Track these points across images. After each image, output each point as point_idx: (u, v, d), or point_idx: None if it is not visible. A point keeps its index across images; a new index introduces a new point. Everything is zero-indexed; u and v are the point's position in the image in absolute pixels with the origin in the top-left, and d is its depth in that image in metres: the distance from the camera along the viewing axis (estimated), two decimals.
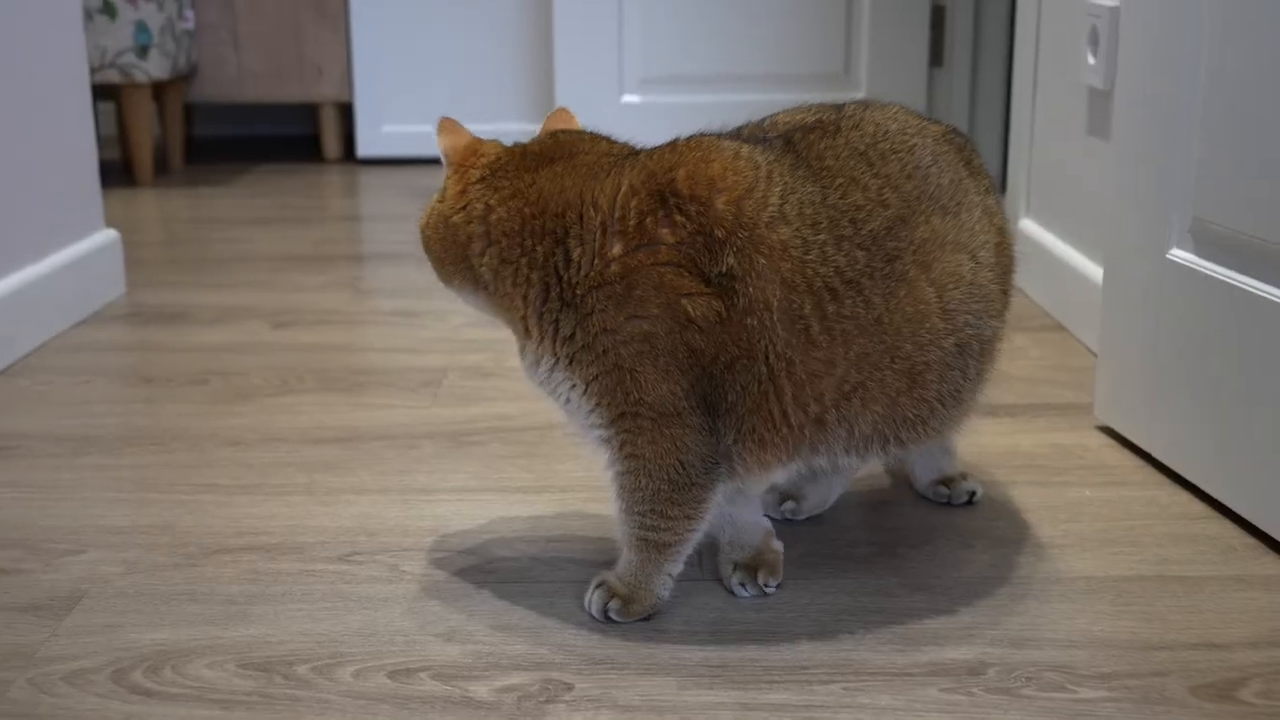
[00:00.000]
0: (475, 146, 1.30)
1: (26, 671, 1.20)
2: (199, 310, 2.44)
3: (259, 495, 1.59)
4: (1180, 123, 1.55)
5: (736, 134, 1.31)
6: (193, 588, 1.36)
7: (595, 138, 1.31)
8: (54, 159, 2.31)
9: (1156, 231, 1.61)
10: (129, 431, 1.82)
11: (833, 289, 1.21)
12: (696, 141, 1.26)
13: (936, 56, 3.73)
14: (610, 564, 1.32)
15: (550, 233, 1.23)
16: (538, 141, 1.30)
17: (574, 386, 1.24)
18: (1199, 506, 1.53)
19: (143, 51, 3.54)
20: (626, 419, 1.22)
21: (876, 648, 1.23)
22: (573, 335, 1.22)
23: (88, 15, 3.42)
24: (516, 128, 3.62)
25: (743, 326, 1.19)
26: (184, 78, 3.87)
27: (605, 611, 1.27)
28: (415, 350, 2.19)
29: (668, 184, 1.20)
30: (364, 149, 4.04)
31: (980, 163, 1.39)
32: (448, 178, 1.30)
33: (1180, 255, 1.57)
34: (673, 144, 1.26)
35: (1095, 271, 2.10)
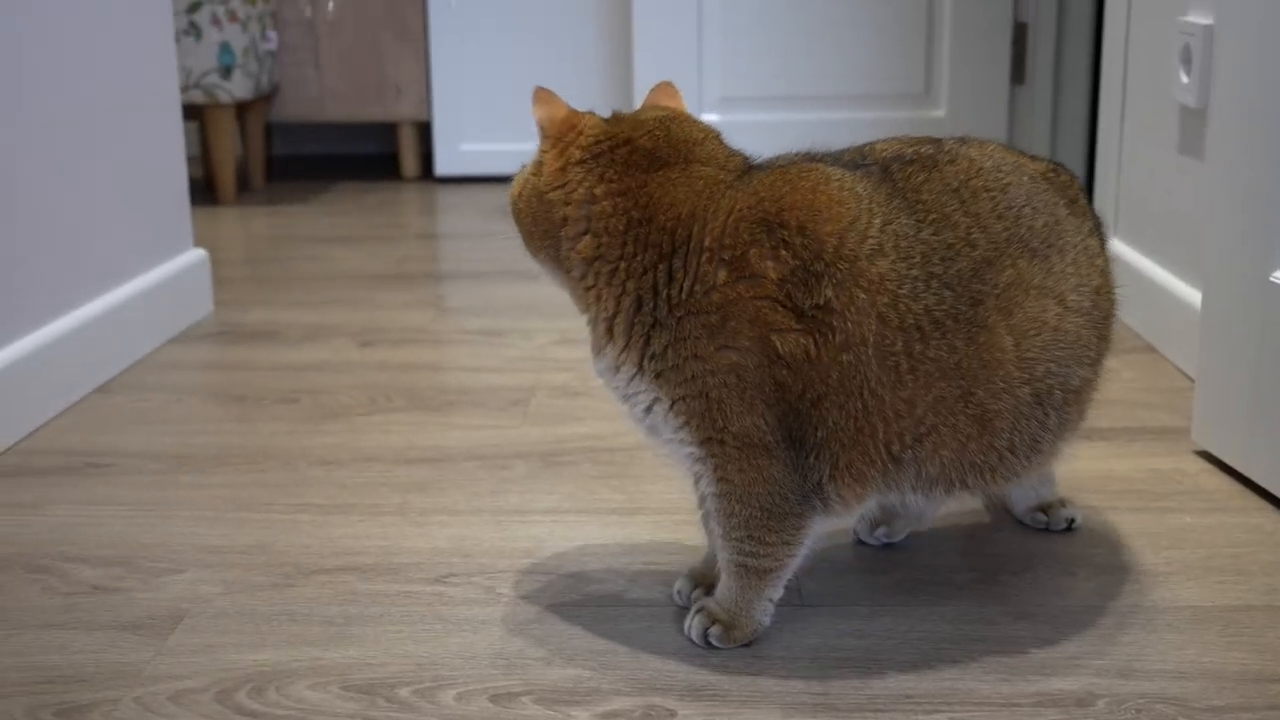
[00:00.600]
0: (573, 120, 1.27)
1: (133, 690, 1.21)
2: (286, 329, 2.47)
3: (353, 515, 1.60)
4: None
5: (837, 159, 1.29)
6: (291, 608, 1.37)
7: (708, 137, 1.27)
8: (146, 180, 2.35)
9: (1257, 253, 1.58)
10: (222, 450, 1.84)
11: (921, 328, 1.19)
12: (806, 169, 1.23)
13: (1018, 74, 3.70)
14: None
15: (655, 245, 1.21)
16: (647, 131, 1.25)
17: (658, 400, 1.23)
18: None
19: (226, 72, 3.59)
20: (713, 444, 1.21)
21: (982, 677, 1.21)
22: (663, 353, 1.21)
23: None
24: None
25: (836, 363, 1.17)
26: (266, 97, 3.92)
27: (706, 637, 1.26)
28: (502, 369, 2.19)
29: (775, 214, 1.19)
30: (442, 168, 4.07)
31: (1085, 202, 1.35)
32: (544, 150, 1.27)
33: None
34: (783, 169, 1.24)
35: (1187, 292, 2.07)
